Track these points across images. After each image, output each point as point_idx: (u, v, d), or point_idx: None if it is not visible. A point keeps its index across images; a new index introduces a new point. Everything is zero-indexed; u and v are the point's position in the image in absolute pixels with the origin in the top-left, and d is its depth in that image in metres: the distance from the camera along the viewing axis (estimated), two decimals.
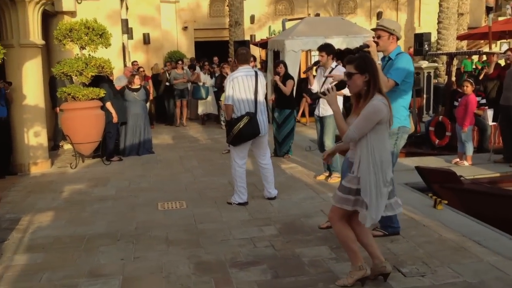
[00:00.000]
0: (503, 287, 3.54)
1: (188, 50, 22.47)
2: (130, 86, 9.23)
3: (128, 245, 4.80)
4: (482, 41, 22.44)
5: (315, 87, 6.91)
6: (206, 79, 13.50)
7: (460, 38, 17.69)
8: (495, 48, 17.82)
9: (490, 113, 8.87)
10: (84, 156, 8.75)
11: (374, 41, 4.64)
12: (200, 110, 13.38)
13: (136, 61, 14.90)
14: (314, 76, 7.19)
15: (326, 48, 6.72)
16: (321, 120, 6.88)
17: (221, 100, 12.48)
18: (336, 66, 6.67)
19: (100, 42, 8.75)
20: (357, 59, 3.53)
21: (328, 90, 3.53)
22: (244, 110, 5.81)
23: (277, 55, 12.88)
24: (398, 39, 4.73)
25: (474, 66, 16.99)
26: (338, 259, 4.23)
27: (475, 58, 17.40)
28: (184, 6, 22.63)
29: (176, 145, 10.51)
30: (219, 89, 12.78)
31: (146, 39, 18.92)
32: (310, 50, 13.88)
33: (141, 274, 4.12)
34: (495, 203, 5.69)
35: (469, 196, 5.83)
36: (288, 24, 14.71)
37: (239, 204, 5.97)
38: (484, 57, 17.53)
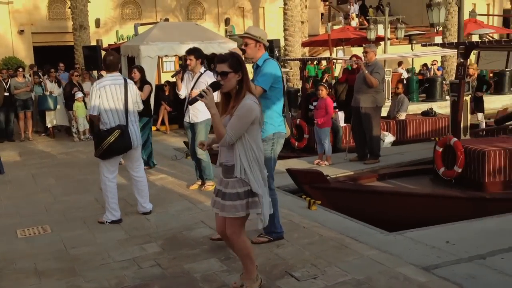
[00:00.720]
0: (388, 280, 3.80)
1: (26, 55, 20.61)
2: None
3: None
4: (320, 48, 24.39)
5: (183, 92, 6.77)
6: (53, 88, 12.44)
7: (304, 44, 18.92)
8: (333, 54, 19.43)
9: (341, 115, 9.60)
10: None
11: (241, 49, 4.70)
12: (49, 121, 12.28)
13: None
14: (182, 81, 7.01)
15: (195, 52, 6.61)
16: (192, 127, 6.76)
17: (74, 111, 11.66)
18: (205, 71, 6.61)
19: None
20: (229, 57, 3.47)
21: (204, 91, 3.32)
22: (114, 121, 5.44)
23: (131, 61, 12.42)
24: (265, 46, 4.83)
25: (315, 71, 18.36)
26: (230, 271, 4.17)
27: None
28: (19, 7, 20.70)
29: (25, 162, 9.50)
30: (69, 98, 11.92)
31: None
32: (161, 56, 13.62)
33: None
34: (360, 199, 6.14)
35: (336, 194, 6.21)
36: (141, 29, 14.31)
37: (113, 222, 5.58)
38: (324, 63, 19.08)
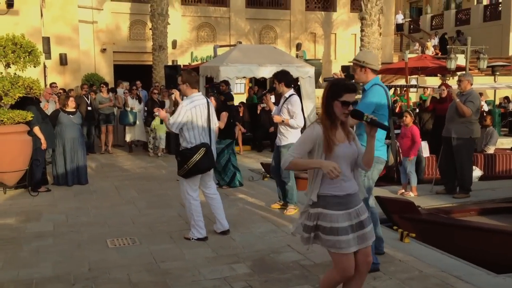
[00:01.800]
0: None
1: (107, 73, 21.52)
2: (64, 108, 8.46)
3: None
4: (393, 76, 23.89)
5: (275, 112, 6.74)
6: (134, 104, 12.85)
7: (380, 72, 18.58)
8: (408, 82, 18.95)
9: (425, 145, 9.21)
10: (6, 187, 7.80)
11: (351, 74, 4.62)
12: (128, 136, 12.67)
13: (55, 83, 13.88)
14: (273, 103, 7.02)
15: (276, 76, 6.61)
16: (277, 149, 6.72)
17: (154, 128, 11.93)
18: (290, 95, 6.53)
19: (29, 60, 7.96)
20: (355, 86, 3.33)
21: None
22: (199, 140, 5.43)
23: (209, 81, 12.64)
24: (373, 70, 4.70)
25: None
26: None
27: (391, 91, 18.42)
28: (102, 27, 21.73)
29: (107, 174, 9.78)
30: (149, 114, 12.23)
31: (63, 60, 17.78)
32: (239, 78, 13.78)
33: None
34: (454, 234, 5.78)
35: (429, 227, 5.89)
36: (220, 51, 14.58)
37: (199, 239, 5.55)
38: (397, 91, 18.62)
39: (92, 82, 18.64)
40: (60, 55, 17.61)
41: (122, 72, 21.14)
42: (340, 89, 3.19)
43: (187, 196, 5.53)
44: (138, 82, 16.64)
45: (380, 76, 22.02)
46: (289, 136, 6.50)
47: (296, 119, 6.38)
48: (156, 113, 5.63)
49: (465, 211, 6.64)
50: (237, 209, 6.90)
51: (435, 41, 25.18)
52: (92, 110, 12.45)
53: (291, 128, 6.46)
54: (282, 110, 6.54)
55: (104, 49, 21.69)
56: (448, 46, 20.32)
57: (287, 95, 6.51)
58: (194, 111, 5.41)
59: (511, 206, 6.95)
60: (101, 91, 13.01)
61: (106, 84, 13.73)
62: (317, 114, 13.36)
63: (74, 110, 8.55)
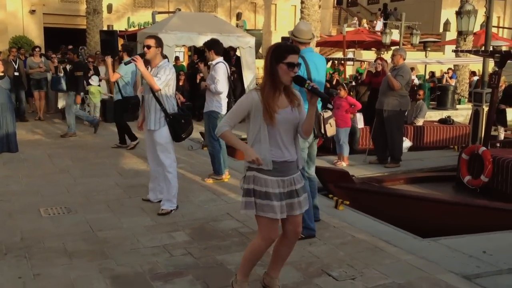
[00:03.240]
0: (430, 286, 3.74)
1: (37, 36, 20.44)
2: None
3: (20, 259, 4.09)
4: (330, 49, 24.31)
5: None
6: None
7: (317, 44, 18.81)
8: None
9: (359, 116, 9.53)
10: None
11: None
12: (61, 103, 12.15)
13: None
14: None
15: (207, 44, 6.62)
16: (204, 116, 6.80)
17: (88, 95, 11.51)
18: (217, 62, 6.52)
19: None
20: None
21: None
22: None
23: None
24: (300, 43, 4.77)
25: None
26: (264, 265, 4.09)
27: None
28: None
29: (38, 142, 9.40)
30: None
31: None
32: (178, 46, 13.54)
33: None
34: (384, 202, 6.08)
35: (362, 195, 6.15)
36: (158, 17, 14.20)
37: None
38: (335, 63, 19.00)
39: (20, 45, 17.65)
40: None
41: (54, 35, 20.13)
42: (283, 51, 3.13)
43: (174, 164, 5.46)
44: (70, 47, 15.96)
45: (318, 48, 22.35)
46: (212, 104, 6.56)
47: (216, 84, 6.40)
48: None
49: (395, 180, 6.99)
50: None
51: (380, 23, 25.36)
52: (20, 75, 11.80)
53: (213, 94, 6.50)
54: (209, 76, 6.57)
55: (33, 11, 20.53)
56: (385, 22, 20.84)
57: (214, 62, 6.53)
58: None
59: (437, 175, 7.37)
60: (33, 55, 12.35)
61: (39, 48, 13.03)
62: (257, 84, 13.42)
63: (1, 74, 8.08)
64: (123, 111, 8.78)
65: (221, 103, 6.55)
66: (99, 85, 11.48)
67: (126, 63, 5.55)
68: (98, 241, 4.57)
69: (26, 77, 12.06)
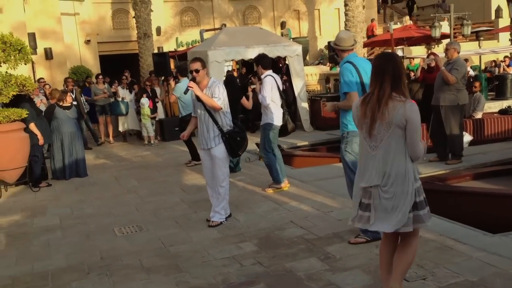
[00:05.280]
0: (504, 282, 3.69)
1: (93, 64, 21.36)
2: (60, 104, 8.51)
3: (102, 277, 4.36)
4: (378, 48, 23.97)
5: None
6: (125, 94, 12.86)
7: (365, 45, 18.66)
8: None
9: None
10: (7, 185, 7.89)
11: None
12: (121, 126, 12.72)
13: (42, 78, 13.85)
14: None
15: (255, 60, 7.04)
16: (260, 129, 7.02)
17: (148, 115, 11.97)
18: (265, 76, 6.75)
19: (19, 57, 7.97)
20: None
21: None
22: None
23: None
24: (343, 50, 4.90)
25: None
26: (333, 270, 4.18)
27: None
28: (85, 18, 21.50)
29: (104, 165, 9.87)
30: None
31: (49, 54, 17.68)
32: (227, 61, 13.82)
33: None
34: (451, 200, 5.98)
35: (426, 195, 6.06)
36: (206, 35, 14.57)
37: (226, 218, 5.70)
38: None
39: (79, 74, 18.57)
40: (45, 49, 17.51)
41: (108, 62, 21.03)
42: None
43: (227, 178, 5.68)
44: (126, 72, 16.64)
45: (366, 49, 22.13)
46: (266, 116, 6.78)
47: (263, 97, 6.63)
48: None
49: (459, 177, 6.84)
50: (238, 191, 7.04)
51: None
52: (78, 105, 12.40)
53: (266, 107, 6.72)
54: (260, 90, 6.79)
55: (89, 41, 21.51)
56: (431, 15, 20.36)
57: (262, 76, 6.73)
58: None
59: (502, 169, 7.16)
60: (97, 82, 13.01)
61: (102, 75, 13.67)
62: (307, 91, 13.49)
63: (69, 105, 8.61)
64: (181, 130, 9.10)
65: (274, 114, 6.70)
66: (151, 107, 11.90)
67: (185, 93, 5.64)
68: (171, 256, 4.78)
69: (89, 105, 12.66)
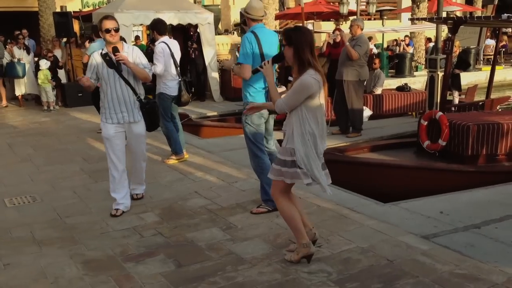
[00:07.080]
0: (391, 248, 3.93)
1: None
2: None
3: None
4: (290, 21, 24.29)
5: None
6: (21, 55, 11.97)
7: (276, 17, 18.77)
8: None
9: None
10: None
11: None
12: (18, 90, 11.84)
13: None
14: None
15: (150, 25, 6.70)
16: None
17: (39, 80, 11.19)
18: (159, 42, 6.40)
19: None
20: (288, 30, 3.59)
21: (264, 63, 3.66)
22: None
23: None
24: (252, 20, 4.82)
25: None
26: (234, 240, 4.22)
27: None
28: None
29: None
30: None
31: None
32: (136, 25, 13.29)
33: (22, 283, 3.55)
34: (350, 171, 6.24)
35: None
36: None
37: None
38: None
39: None
40: None
41: (3, 19, 19.36)
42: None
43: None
44: (24, 31, 15.41)
45: (278, 21, 22.31)
46: (159, 86, 6.48)
47: (154, 66, 6.20)
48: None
49: (358, 149, 7.17)
50: None
51: None
52: None
53: (159, 76, 6.40)
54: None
55: None
56: None
57: (156, 43, 6.47)
58: None
59: (398, 142, 7.60)
60: None
61: None
62: (218, 61, 13.35)
63: None
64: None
65: (167, 85, 6.43)
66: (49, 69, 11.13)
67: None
68: (67, 228, 4.58)
69: None
